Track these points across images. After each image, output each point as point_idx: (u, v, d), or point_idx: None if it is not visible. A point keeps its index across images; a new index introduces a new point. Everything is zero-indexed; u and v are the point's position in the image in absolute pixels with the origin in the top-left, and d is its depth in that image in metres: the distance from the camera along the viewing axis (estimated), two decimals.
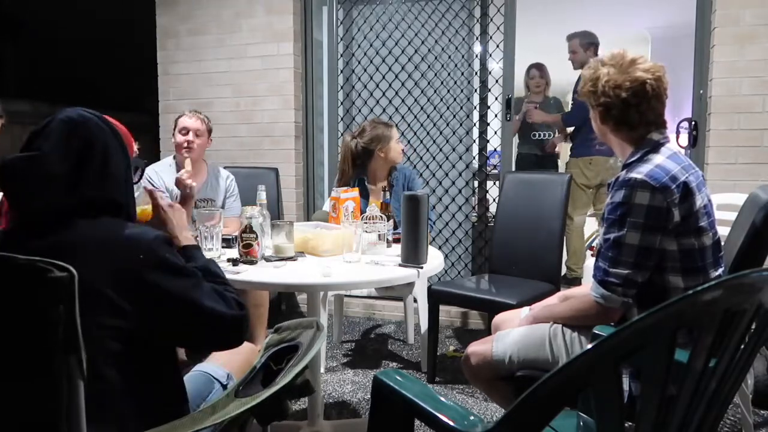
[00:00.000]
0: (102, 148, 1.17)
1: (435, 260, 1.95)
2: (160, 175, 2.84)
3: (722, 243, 1.60)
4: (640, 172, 1.44)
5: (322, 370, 2.83)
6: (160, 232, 1.16)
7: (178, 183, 2.25)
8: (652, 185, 1.41)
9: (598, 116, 1.59)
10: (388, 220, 2.18)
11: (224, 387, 1.42)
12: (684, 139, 3.16)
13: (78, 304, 0.87)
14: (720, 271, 1.52)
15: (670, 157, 1.49)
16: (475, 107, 3.61)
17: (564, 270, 3.86)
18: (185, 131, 2.80)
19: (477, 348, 1.75)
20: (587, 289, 1.64)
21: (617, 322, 1.52)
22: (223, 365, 1.47)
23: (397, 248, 1.97)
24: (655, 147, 1.52)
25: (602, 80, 1.54)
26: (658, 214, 1.41)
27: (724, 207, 2.47)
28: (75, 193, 1.13)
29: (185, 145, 2.78)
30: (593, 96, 1.57)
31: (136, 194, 1.31)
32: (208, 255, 1.88)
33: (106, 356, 1.03)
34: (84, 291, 0.88)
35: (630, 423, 0.88)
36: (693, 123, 3.13)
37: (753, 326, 0.84)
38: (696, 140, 3.13)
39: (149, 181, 2.72)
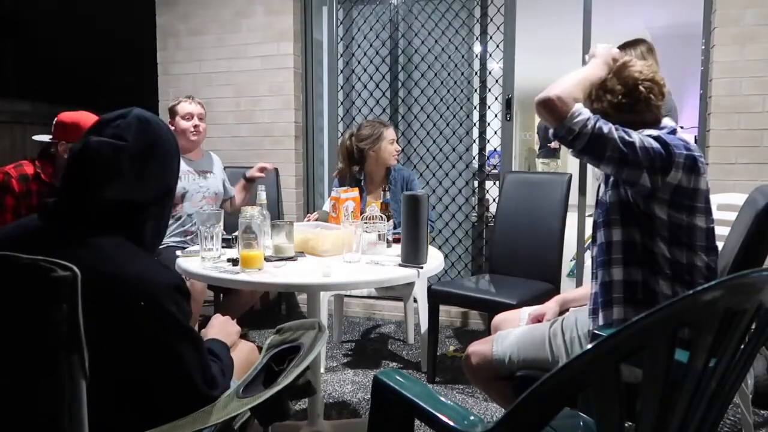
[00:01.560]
0: (164, 152, 1.18)
1: (435, 260, 1.95)
2: None
3: (720, 243, 1.59)
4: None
5: (322, 370, 2.83)
6: (175, 277, 1.13)
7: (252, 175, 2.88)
8: (668, 137, 1.45)
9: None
10: (388, 220, 2.18)
11: None
12: None
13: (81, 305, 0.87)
14: (713, 258, 1.50)
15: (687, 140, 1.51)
16: (475, 107, 3.61)
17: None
18: (190, 116, 2.88)
19: (477, 348, 1.76)
20: (586, 290, 1.64)
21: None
22: None
23: (397, 248, 1.98)
24: (673, 131, 1.53)
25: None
26: (656, 149, 1.41)
27: (724, 207, 2.47)
28: (138, 189, 1.12)
29: (192, 129, 2.87)
30: (587, 102, 1.57)
31: None
32: (208, 255, 1.89)
33: (108, 355, 1.03)
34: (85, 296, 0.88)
35: (630, 423, 0.88)
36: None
37: (753, 326, 0.85)
38: (696, 140, 3.13)
39: None
